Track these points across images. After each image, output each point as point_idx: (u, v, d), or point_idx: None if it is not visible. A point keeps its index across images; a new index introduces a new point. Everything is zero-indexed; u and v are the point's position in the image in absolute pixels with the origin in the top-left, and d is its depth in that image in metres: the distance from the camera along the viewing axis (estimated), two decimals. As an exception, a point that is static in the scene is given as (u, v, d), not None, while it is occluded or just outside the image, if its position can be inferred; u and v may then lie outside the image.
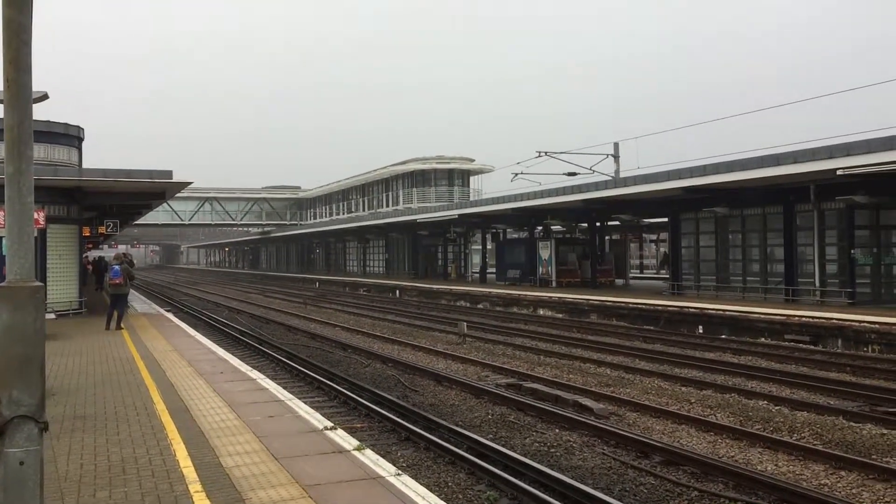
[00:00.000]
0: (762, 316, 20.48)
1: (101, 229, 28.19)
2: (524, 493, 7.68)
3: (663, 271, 45.87)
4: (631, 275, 42.49)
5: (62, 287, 23.33)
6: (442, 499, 6.07)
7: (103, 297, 33.43)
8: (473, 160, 57.92)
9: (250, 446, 7.33)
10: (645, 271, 54.45)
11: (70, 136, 28.66)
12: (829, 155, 19.36)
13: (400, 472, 6.44)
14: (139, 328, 20.17)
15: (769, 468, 8.71)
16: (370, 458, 6.85)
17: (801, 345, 18.75)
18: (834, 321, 18.53)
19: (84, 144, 29.81)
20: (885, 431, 10.17)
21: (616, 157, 35.12)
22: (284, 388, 11.49)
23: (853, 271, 22.59)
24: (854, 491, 7.87)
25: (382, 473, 6.33)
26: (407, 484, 6.04)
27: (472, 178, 58.35)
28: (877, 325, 17.57)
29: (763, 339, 19.78)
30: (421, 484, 6.34)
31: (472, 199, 53.59)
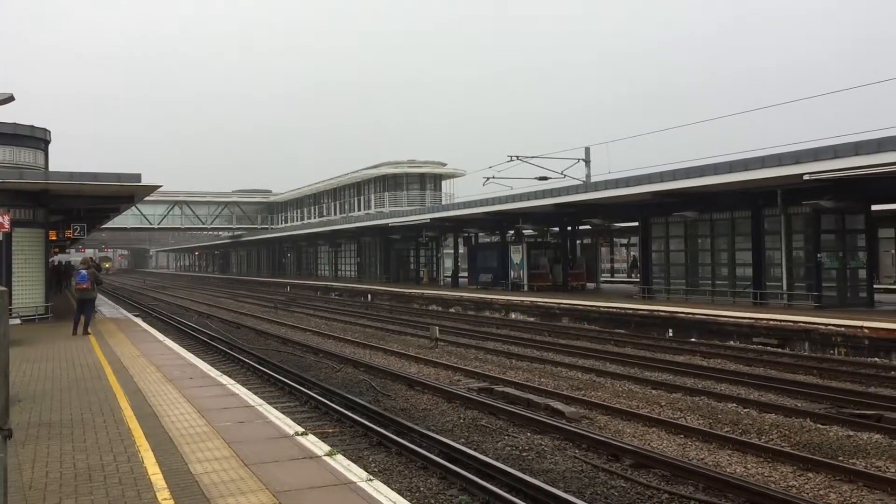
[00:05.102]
0: (731, 319, 20.69)
1: (69, 233, 27.80)
2: (496, 497, 7.68)
3: (633, 275, 46.17)
4: (602, 278, 42.74)
5: (28, 292, 22.97)
6: (413, 504, 6.05)
7: (70, 301, 32.97)
8: (445, 164, 57.97)
9: (220, 452, 7.25)
10: (615, 275, 54.77)
11: (36, 139, 28.18)
12: (796, 160, 19.60)
13: (371, 477, 6.40)
14: (107, 333, 19.91)
15: (738, 470, 8.79)
16: (342, 464, 6.80)
17: (769, 347, 18.98)
18: (801, 324, 18.77)
19: (51, 147, 29.37)
20: (851, 433, 10.32)
21: (587, 161, 35.32)
22: (255, 393, 11.40)
23: (819, 275, 22.88)
24: (822, 492, 7.97)
25: (354, 479, 6.29)
26: (378, 489, 6.01)
27: (443, 182, 58.38)
28: (843, 328, 17.82)
29: (732, 342, 19.98)
30: (392, 489, 6.31)
31: (443, 202, 53.61)
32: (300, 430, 8.23)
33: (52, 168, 28.62)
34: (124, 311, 29.88)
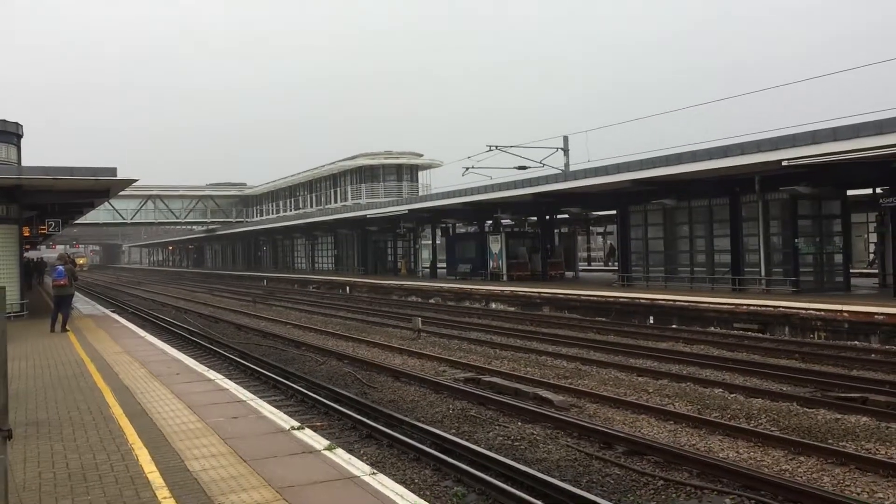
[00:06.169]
0: (711, 305, 20.86)
1: (42, 229, 27.35)
2: (492, 487, 7.65)
3: (610, 263, 46.39)
4: (579, 267, 42.92)
5: (2, 289, 22.57)
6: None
7: (43, 297, 32.51)
8: (422, 155, 57.82)
9: (216, 449, 7.16)
10: (592, 264, 55.04)
11: (8, 133, 27.71)
12: (774, 146, 19.77)
13: (375, 471, 6.34)
14: (85, 330, 19.65)
15: (731, 455, 8.84)
16: (342, 458, 6.74)
17: (749, 333, 19.15)
18: (781, 309, 18.96)
19: (23, 141, 28.91)
20: (838, 416, 10.42)
21: (566, 150, 35.38)
22: (242, 387, 11.27)
23: (797, 260, 23.12)
24: (815, 476, 8.03)
25: (357, 473, 6.22)
26: (383, 483, 5.95)
27: (420, 173, 58.25)
28: (822, 313, 18.03)
29: (713, 328, 20.15)
30: (397, 482, 6.26)
31: (421, 193, 53.47)
32: (296, 424, 8.15)
33: (24, 162, 28.15)
34: (101, 308, 29.50)
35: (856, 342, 16.92)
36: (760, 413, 10.73)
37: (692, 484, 7.84)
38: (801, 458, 8.60)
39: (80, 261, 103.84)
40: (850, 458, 8.39)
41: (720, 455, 8.83)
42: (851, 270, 26.32)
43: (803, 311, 18.42)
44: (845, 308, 17.70)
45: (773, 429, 9.91)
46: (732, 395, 12.10)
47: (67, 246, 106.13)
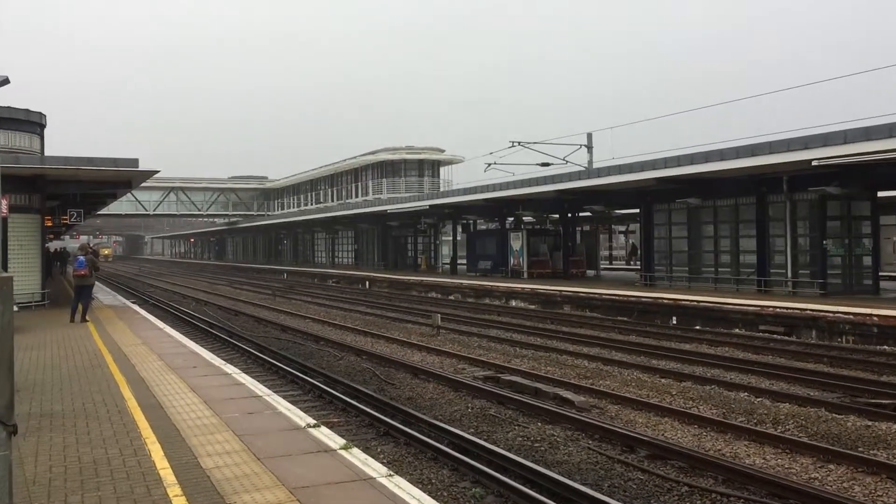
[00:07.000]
0: (736, 307, 20.51)
1: (64, 219, 27.49)
2: (511, 489, 7.47)
3: (632, 262, 45.96)
4: (601, 266, 42.54)
5: (24, 278, 22.68)
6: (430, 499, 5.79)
7: (65, 287, 32.70)
8: (444, 150, 57.66)
9: (230, 445, 7.01)
10: (614, 262, 54.59)
11: (32, 123, 27.83)
12: (804, 145, 19.37)
13: (392, 473, 6.15)
14: (105, 320, 19.65)
15: (757, 462, 8.59)
16: (358, 458, 6.55)
17: (775, 335, 18.80)
18: (808, 312, 18.58)
19: (50, 132, 29.04)
20: (869, 423, 10.12)
21: (589, 147, 35.05)
22: (258, 382, 11.15)
23: (825, 262, 22.68)
24: (845, 485, 7.77)
25: (373, 474, 6.03)
26: (400, 485, 5.75)
27: (442, 169, 58.11)
28: (850, 316, 17.63)
29: (737, 330, 19.79)
30: (415, 485, 6.07)
31: (442, 189, 53.31)
32: (312, 421, 7.99)
33: (48, 153, 28.29)
34: (122, 298, 29.59)
35: (885, 347, 16.54)
36: (788, 418, 10.45)
37: (718, 491, 7.60)
38: (831, 466, 8.33)
39: (105, 251, 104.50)
40: (881, 467, 8.10)
41: (746, 461, 8.58)
42: (882, 273, 25.86)
43: (831, 315, 18.04)
44: (875, 312, 17.29)
45: (801, 435, 9.62)
46: (758, 400, 11.81)
47: (91, 236, 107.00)
